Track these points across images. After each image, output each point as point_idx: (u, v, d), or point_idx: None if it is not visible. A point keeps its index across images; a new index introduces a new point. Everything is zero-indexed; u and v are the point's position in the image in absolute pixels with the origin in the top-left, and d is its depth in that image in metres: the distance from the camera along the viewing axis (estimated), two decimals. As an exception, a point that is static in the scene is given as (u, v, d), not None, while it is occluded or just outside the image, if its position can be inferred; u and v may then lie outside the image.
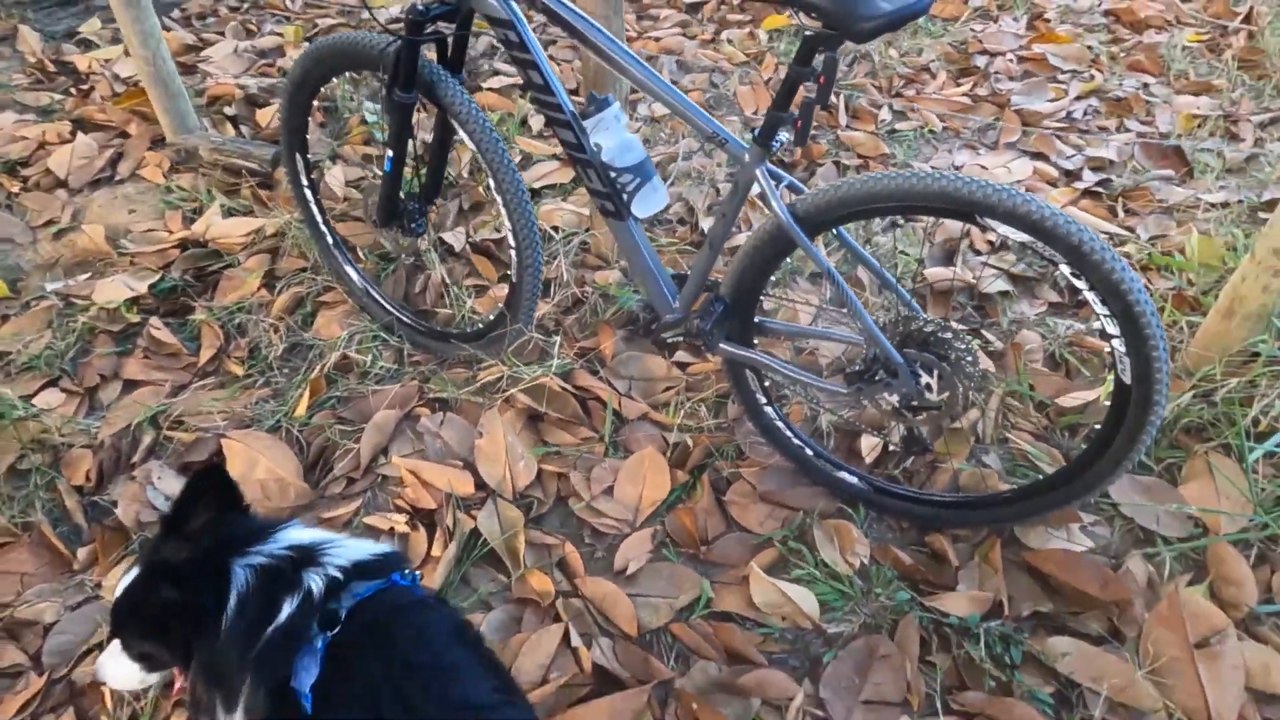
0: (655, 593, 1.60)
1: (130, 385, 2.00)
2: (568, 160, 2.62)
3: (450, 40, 1.62)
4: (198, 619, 0.97)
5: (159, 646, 1.03)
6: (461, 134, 1.64)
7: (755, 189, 1.42)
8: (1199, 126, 2.80)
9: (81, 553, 1.65)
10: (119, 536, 1.68)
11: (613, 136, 1.51)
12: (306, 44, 3.28)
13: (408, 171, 1.82)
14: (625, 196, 1.56)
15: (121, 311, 2.12)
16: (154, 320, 2.11)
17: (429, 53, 1.63)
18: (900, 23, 1.18)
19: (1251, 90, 2.97)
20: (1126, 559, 1.58)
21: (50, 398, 1.94)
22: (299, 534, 1.05)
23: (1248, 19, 3.36)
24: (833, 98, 1.25)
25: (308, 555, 1.02)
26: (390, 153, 1.71)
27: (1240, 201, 2.43)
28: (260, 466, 1.77)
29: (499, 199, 1.67)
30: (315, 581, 0.98)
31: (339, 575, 1.00)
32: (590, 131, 1.52)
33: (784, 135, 1.37)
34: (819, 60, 1.25)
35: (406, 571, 1.08)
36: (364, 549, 1.07)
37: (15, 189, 2.52)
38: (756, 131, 1.36)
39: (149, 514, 1.71)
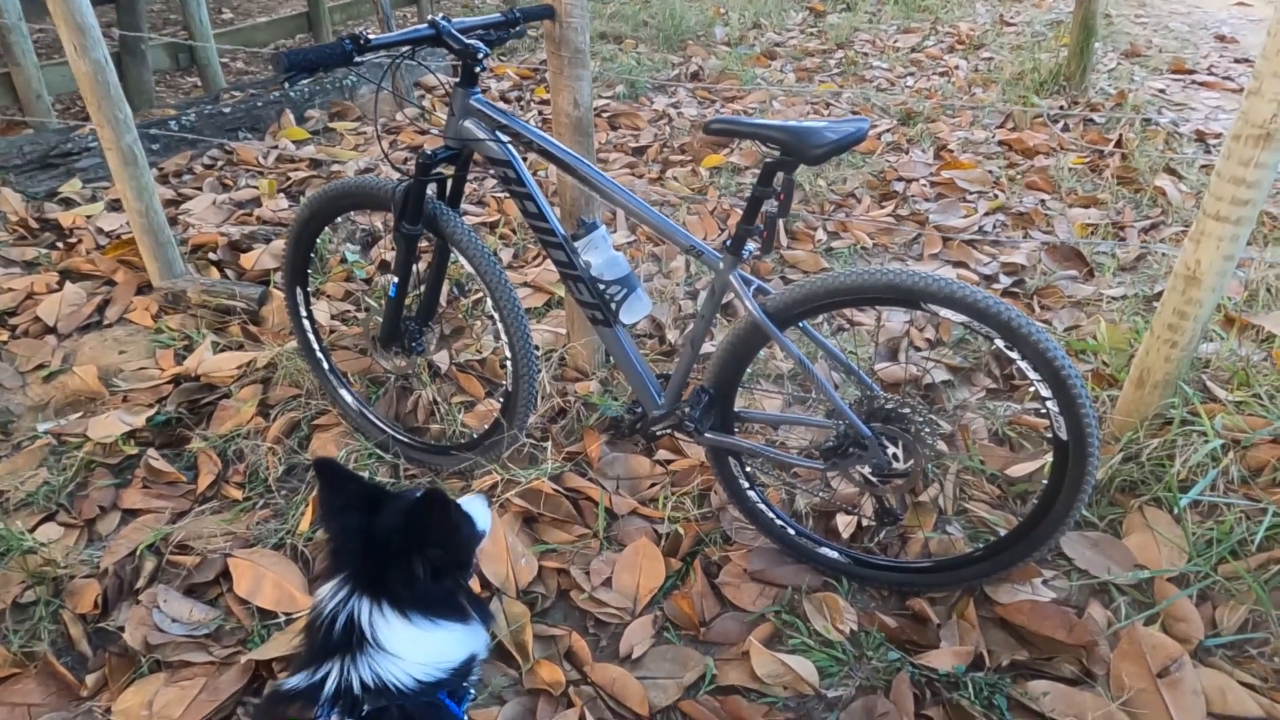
0: (662, 674, 1.68)
1: (129, 515, 2.04)
2: (546, 284, 2.85)
3: (450, 180, 1.84)
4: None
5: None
6: (462, 260, 1.83)
7: (729, 293, 1.63)
8: (1093, 233, 3.19)
9: (90, 679, 1.65)
10: (126, 661, 1.69)
11: (601, 254, 1.72)
12: (282, 193, 3.51)
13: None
14: (614, 306, 1.75)
15: (119, 445, 2.19)
16: (151, 451, 2.18)
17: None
18: (844, 148, 1.44)
19: (1131, 201, 3.41)
20: (1087, 606, 1.74)
21: (49, 531, 1.97)
22: (402, 635, 1.10)
23: (1118, 144, 3.88)
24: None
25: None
26: (396, 279, 1.89)
27: (1136, 294, 2.77)
28: (267, 581, 1.82)
29: (496, 314, 1.85)
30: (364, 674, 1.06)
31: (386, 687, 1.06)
32: (581, 251, 1.73)
33: (752, 245, 1.60)
34: (778, 181, 1.50)
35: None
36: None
37: (4, 337, 2.60)
38: (729, 242, 1.59)
39: (157, 636, 1.73)
